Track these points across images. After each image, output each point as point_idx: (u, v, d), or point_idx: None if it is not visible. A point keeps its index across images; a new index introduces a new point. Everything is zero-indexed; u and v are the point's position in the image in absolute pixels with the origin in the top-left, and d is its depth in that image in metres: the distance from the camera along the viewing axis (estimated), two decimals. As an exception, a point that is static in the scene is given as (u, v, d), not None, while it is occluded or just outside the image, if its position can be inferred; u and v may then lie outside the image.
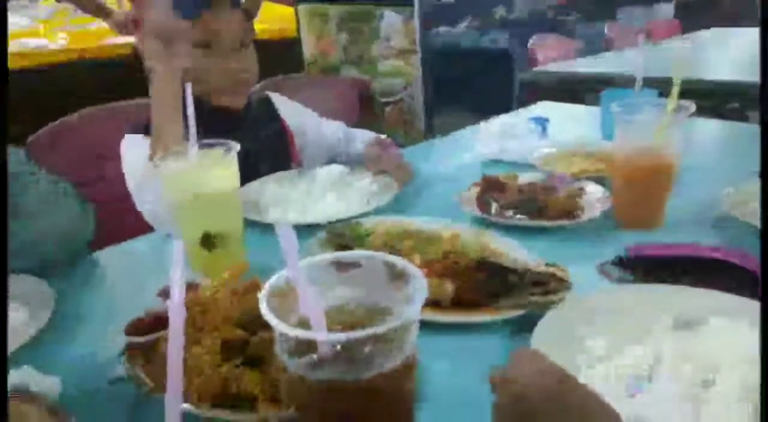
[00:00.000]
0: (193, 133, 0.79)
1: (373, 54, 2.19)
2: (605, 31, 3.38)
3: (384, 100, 2.19)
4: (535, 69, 2.62)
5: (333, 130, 1.45)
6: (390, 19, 2.07)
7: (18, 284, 0.82)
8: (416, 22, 1.99)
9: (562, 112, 1.75)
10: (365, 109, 2.12)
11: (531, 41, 2.80)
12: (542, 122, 1.48)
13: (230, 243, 0.80)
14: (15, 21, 2.83)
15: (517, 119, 1.51)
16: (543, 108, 1.81)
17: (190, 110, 0.79)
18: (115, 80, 2.77)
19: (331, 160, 1.39)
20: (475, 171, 1.26)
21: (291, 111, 1.40)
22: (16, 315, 0.75)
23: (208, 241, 0.77)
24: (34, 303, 0.79)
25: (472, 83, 4.55)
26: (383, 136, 1.36)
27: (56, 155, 1.47)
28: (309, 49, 2.46)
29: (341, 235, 0.92)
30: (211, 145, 0.81)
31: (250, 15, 1.22)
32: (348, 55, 2.28)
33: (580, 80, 2.57)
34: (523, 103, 1.97)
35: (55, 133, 1.51)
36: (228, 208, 0.80)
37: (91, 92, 2.75)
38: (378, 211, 1.04)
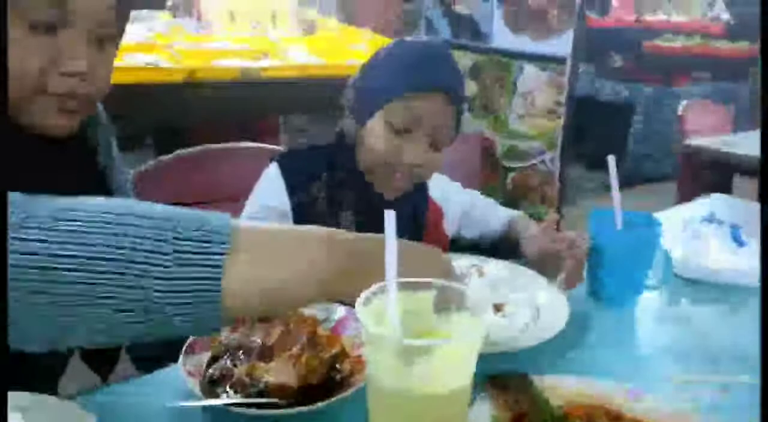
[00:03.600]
0: (393, 267, 0.50)
1: (505, 110, 1.91)
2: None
3: (511, 164, 1.90)
4: (688, 142, 2.26)
5: (474, 201, 1.19)
6: (531, 74, 1.79)
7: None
8: (566, 81, 1.70)
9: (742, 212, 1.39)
10: (486, 171, 1.84)
11: (682, 107, 2.45)
12: (735, 231, 1.13)
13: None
14: (134, 31, 2.79)
15: (689, 216, 1.18)
16: (719, 204, 1.45)
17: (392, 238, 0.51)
18: (222, 102, 2.68)
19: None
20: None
21: (435, 181, 1.14)
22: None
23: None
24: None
25: (584, 136, 4.20)
26: (554, 216, 1.05)
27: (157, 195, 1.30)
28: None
29: (509, 390, 0.64)
30: (416, 287, 0.53)
31: (458, 113, 1.01)
32: (474, 107, 2.02)
33: (733, 161, 2.20)
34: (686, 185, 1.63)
35: (159, 169, 1.33)
36: (459, 404, 0.51)
37: (197, 113, 2.67)
38: (547, 349, 0.75)
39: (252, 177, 1.24)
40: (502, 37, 1.82)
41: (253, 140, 1.46)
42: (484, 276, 0.89)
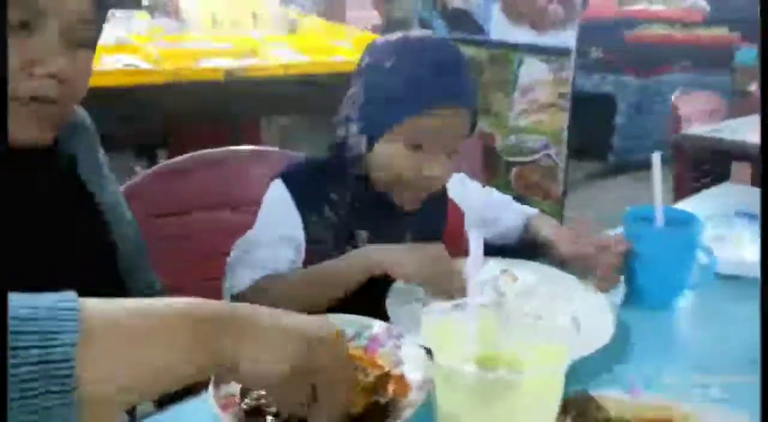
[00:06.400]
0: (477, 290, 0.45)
1: (504, 105, 1.86)
2: (751, 88, 2.96)
3: (513, 159, 1.86)
4: (684, 131, 2.25)
5: (491, 200, 1.14)
6: (533, 67, 1.74)
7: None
8: (570, 74, 1.66)
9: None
10: (487, 167, 1.80)
11: (674, 96, 2.43)
12: (752, 217, 1.10)
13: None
14: (111, 33, 2.68)
15: (712, 209, 1.15)
16: (731, 192, 1.41)
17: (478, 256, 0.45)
18: (206, 103, 2.59)
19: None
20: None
21: (453, 181, 1.07)
22: None
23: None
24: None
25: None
26: (585, 219, 1.00)
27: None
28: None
29: (568, 410, 0.59)
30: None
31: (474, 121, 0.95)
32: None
33: (730, 147, 2.19)
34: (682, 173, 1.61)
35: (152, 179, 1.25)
36: None
37: (180, 116, 2.58)
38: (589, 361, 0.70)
39: (248, 182, 1.17)
40: (501, 29, 1.77)
41: (235, 141, 1.39)
42: (517, 282, 0.84)
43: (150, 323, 0.46)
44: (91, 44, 0.69)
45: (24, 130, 0.64)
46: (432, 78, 0.87)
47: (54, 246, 0.71)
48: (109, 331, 0.44)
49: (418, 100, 0.86)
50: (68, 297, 0.44)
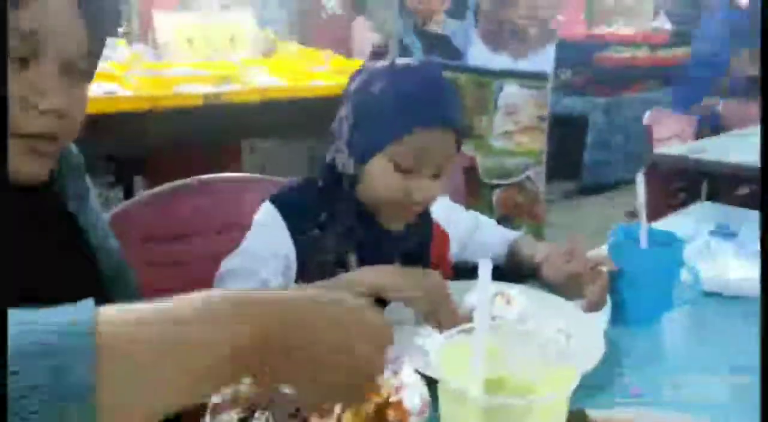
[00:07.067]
0: (486, 318, 0.45)
1: (485, 128, 1.90)
2: (719, 107, 3.06)
3: (495, 182, 1.89)
4: (656, 151, 2.31)
5: (476, 223, 1.15)
6: (513, 92, 1.79)
7: None
8: (548, 97, 1.70)
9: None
10: (470, 190, 1.82)
11: (647, 117, 2.50)
12: (729, 236, 1.14)
13: None
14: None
15: (693, 228, 1.18)
16: (705, 210, 1.46)
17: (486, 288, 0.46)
18: (184, 130, 2.58)
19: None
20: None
21: (437, 204, 1.07)
22: None
23: None
24: None
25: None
26: (576, 239, 1.01)
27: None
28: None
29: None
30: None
31: (459, 143, 0.97)
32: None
33: (697, 168, 2.25)
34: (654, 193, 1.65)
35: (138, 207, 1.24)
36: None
37: (159, 143, 2.57)
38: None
39: (241, 208, 1.17)
40: (479, 55, 1.82)
41: (216, 166, 1.39)
42: (512, 305, 0.85)
43: (187, 327, 0.42)
44: (88, 78, 0.69)
45: (22, 166, 0.63)
46: (418, 100, 0.89)
47: (39, 280, 0.70)
48: (130, 344, 0.41)
49: (404, 121, 0.88)
50: (82, 319, 0.39)
